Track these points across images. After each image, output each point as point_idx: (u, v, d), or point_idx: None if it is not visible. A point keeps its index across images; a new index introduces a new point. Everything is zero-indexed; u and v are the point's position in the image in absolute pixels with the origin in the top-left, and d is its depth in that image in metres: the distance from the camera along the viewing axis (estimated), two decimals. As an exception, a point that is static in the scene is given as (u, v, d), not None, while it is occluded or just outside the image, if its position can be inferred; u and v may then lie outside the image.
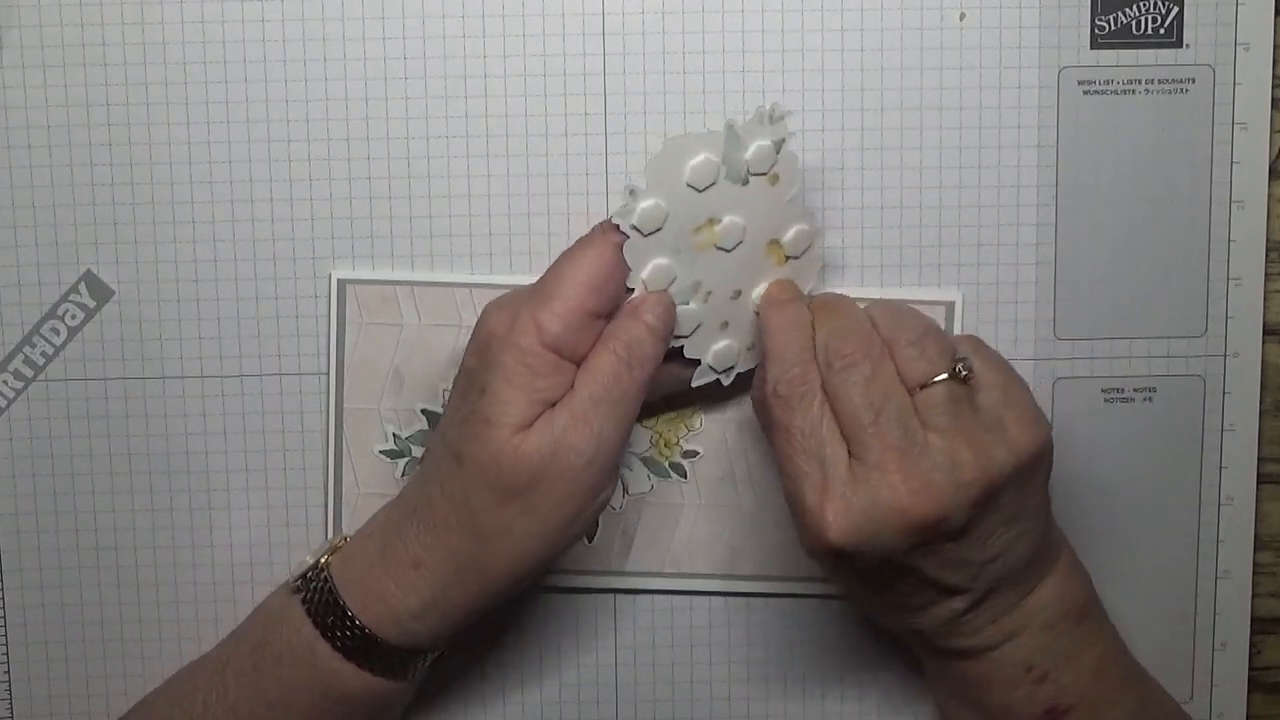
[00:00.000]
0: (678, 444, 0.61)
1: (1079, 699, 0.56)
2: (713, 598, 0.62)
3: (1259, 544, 0.63)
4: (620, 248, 0.53)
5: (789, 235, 0.56)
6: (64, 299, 0.60)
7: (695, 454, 0.61)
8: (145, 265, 0.60)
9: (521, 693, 0.63)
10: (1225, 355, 0.61)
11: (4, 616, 0.62)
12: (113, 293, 0.60)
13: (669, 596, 0.62)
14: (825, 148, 0.60)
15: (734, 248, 0.55)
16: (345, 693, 0.55)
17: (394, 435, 0.61)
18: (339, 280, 0.60)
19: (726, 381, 0.58)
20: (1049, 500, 0.55)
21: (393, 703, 0.57)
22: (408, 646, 0.55)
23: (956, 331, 0.60)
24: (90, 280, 0.60)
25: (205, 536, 0.61)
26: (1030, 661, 0.55)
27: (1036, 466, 0.53)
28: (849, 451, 0.52)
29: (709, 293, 0.55)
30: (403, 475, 0.61)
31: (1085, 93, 0.60)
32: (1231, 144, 0.60)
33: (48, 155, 0.59)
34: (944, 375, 0.52)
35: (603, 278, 0.53)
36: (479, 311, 0.57)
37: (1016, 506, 0.53)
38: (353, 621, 0.54)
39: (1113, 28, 0.59)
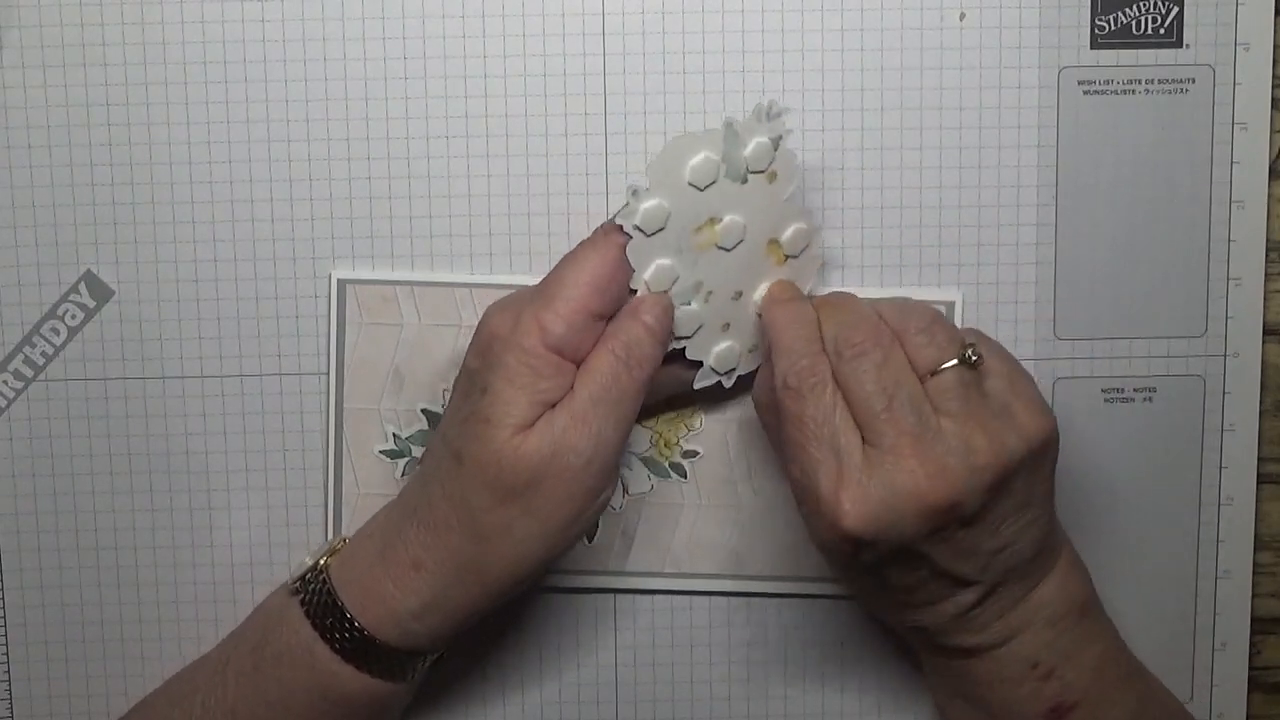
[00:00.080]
0: (678, 444, 0.61)
1: (1082, 696, 0.56)
2: (713, 598, 0.62)
3: (1259, 544, 0.63)
4: (623, 249, 0.53)
5: (788, 234, 0.56)
6: (64, 299, 0.60)
7: (695, 454, 0.61)
8: (145, 265, 0.60)
9: (521, 693, 0.63)
10: (1225, 355, 0.61)
11: (4, 616, 0.62)
12: (113, 293, 0.60)
13: (669, 596, 0.62)
14: (825, 148, 0.60)
15: (734, 247, 0.55)
16: (344, 694, 0.55)
17: (394, 435, 0.61)
18: (339, 280, 0.60)
19: (728, 384, 0.58)
20: (1053, 492, 0.55)
21: (392, 704, 0.57)
22: (407, 648, 0.55)
23: (957, 331, 0.60)
24: (90, 280, 0.60)
25: (205, 536, 0.61)
26: (1036, 658, 0.55)
27: (1044, 453, 0.53)
28: (863, 439, 0.52)
29: (710, 293, 0.55)
30: (403, 475, 0.61)
31: (1085, 93, 0.60)
32: (1231, 144, 0.60)
33: (48, 155, 0.59)
34: (954, 361, 0.52)
35: (606, 279, 0.53)
36: (479, 311, 0.57)
37: (1025, 494, 0.53)
38: (351, 623, 0.54)
39: (1113, 28, 0.59)
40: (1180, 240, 0.61)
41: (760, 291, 0.56)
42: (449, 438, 0.53)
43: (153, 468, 0.61)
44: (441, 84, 0.59)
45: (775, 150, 0.55)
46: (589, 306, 0.52)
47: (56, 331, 0.60)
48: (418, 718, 0.62)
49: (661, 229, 0.53)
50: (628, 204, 0.53)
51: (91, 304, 0.60)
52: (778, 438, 0.56)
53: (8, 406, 0.60)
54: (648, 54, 0.59)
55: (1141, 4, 0.59)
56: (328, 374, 0.60)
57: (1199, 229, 0.61)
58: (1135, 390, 0.61)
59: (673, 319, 0.55)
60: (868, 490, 0.51)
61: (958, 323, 0.60)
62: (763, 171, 0.55)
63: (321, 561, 0.56)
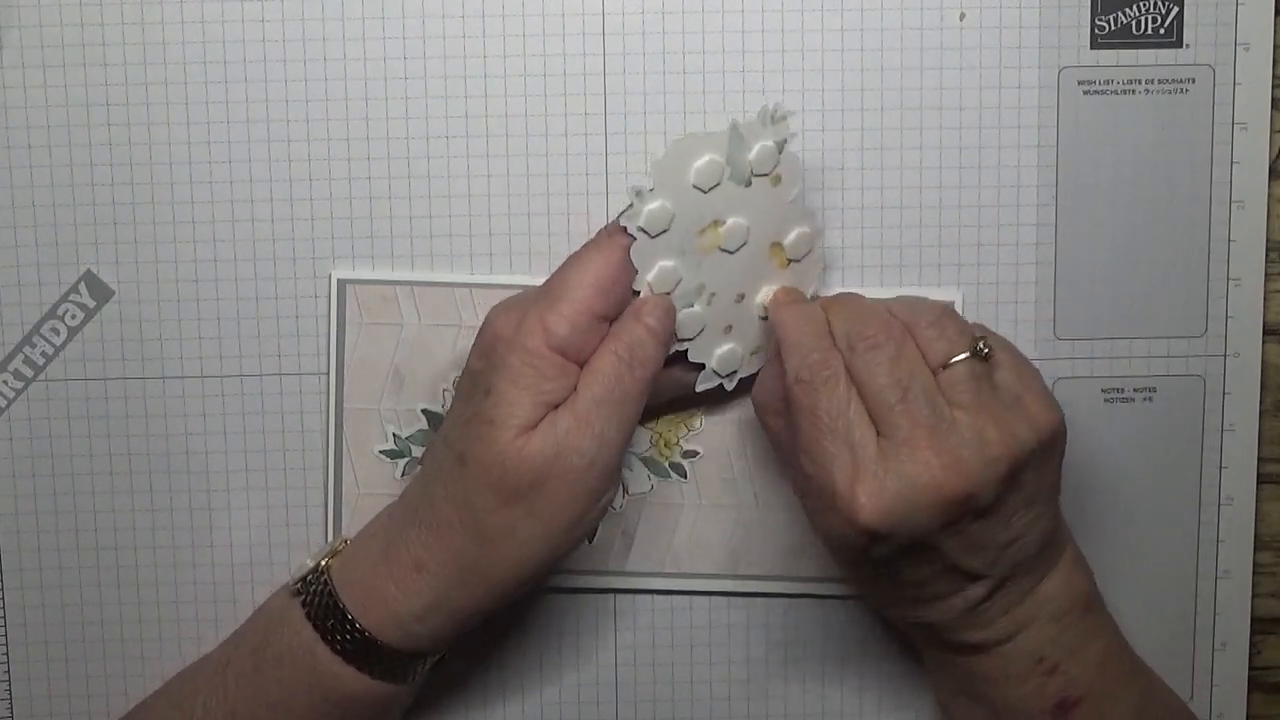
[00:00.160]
0: (678, 444, 0.61)
1: (1087, 691, 0.56)
2: (713, 598, 0.62)
3: (1259, 544, 0.63)
4: (627, 250, 0.53)
5: (791, 237, 0.56)
6: (64, 299, 0.60)
7: (695, 454, 0.61)
8: (145, 265, 0.60)
9: (521, 693, 0.63)
10: (1225, 355, 0.61)
11: (4, 616, 0.62)
12: (113, 293, 0.60)
13: (669, 596, 0.62)
14: (825, 148, 0.60)
15: (737, 249, 0.55)
16: (345, 695, 0.55)
17: (394, 435, 0.61)
18: (339, 280, 0.60)
19: (730, 386, 0.58)
20: (1060, 486, 0.55)
21: (393, 705, 0.57)
22: (409, 649, 0.55)
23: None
24: (90, 280, 0.60)
25: (205, 536, 0.61)
26: (1041, 653, 0.55)
27: (1053, 446, 0.53)
28: (877, 432, 0.52)
29: (713, 295, 0.55)
30: (403, 475, 0.61)
31: (1085, 93, 0.60)
32: (1231, 144, 0.60)
33: (48, 155, 0.59)
34: (965, 354, 0.52)
35: (610, 280, 0.53)
36: (479, 311, 0.57)
37: (1035, 486, 0.53)
38: (353, 625, 0.54)
39: (1113, 28, 0.59)
40: (1180, 240, 0.61)
41: (763, 295, 0.56)
42: (451, 439, 0.53)
43: (153, 468, 0.61)
44: (441, 84, 0.59)
45: (779, 154, 0.55)
46: (593, 308, 0.52)
47: (56, 331, 0.60)
48: (417, 718, 0.62)
49: (665, 231, 0.53)
50: (631, 205, 0.53)
51: (91, 304, 0.60)
52: (778, 439, 0.56)
53: (8, 406, 0.60)
54: (648, 54, 0.59)
55: (1141, 4, 0.59)
56: (328, 374, 0.60)
57: (1199, 229, 0.61)
58: (1135, 390, 0.61)
59: (675, 321, 0.55)
60: (884, 483, 0.51)
61: (958, 322, 0.60)
62: (767, 175, 0.55)
63: (323, 563, 0.56)
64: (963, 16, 0.59)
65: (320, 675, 0.54)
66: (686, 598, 0.62)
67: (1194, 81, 0.60)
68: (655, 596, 0.62)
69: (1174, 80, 0.60)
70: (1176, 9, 0.59)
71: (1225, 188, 0.60)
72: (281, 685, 0.55)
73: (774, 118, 0.54)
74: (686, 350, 0.56)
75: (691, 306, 0.55)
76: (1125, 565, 0.62)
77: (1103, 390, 0.61)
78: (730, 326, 0.56)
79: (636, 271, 0.54)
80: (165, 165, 0.59)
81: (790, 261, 0.56)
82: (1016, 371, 0.54)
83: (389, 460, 0.61)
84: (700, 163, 0.53)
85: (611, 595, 0.62)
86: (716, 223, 0.55)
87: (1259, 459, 0.62)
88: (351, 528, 0.60)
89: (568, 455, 0.52)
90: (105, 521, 0.61)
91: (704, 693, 0.63)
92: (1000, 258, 0.60)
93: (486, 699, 0.63)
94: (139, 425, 0.61)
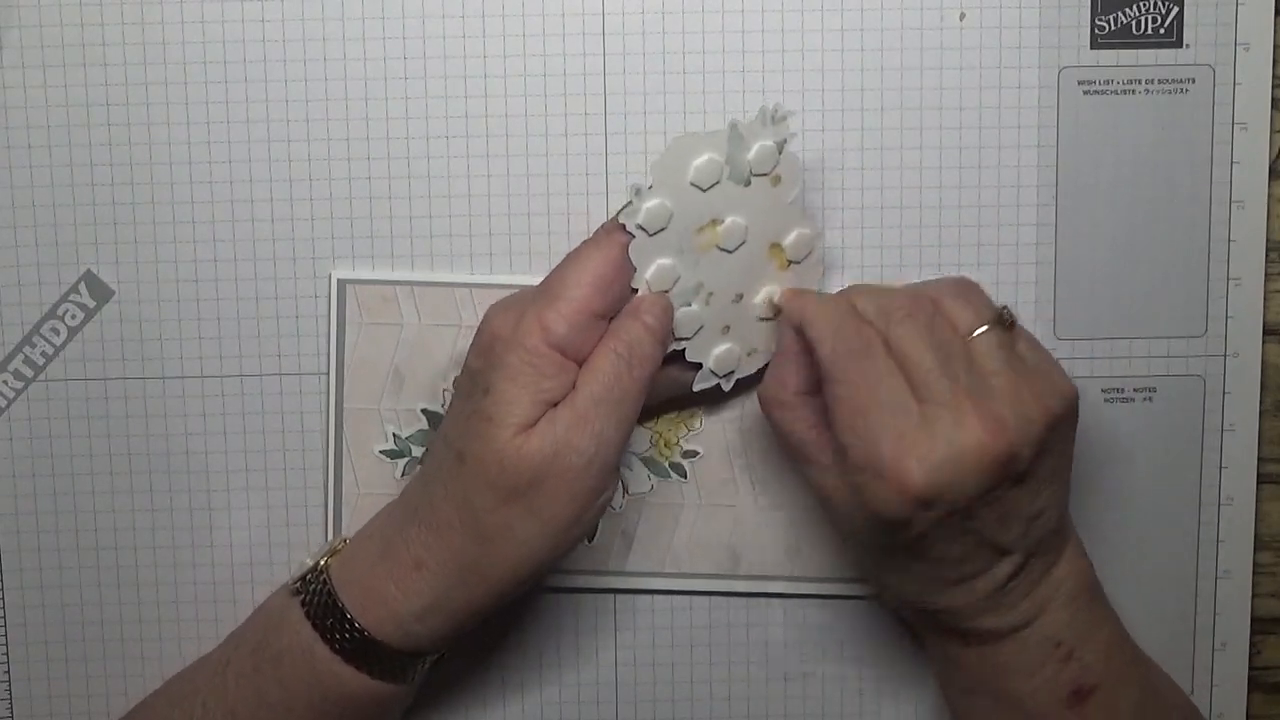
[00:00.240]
0: (678, 444, 0.61)
1: (1100, 679, 0.56)
2: (713, 598, 0.62)
3: (1259, 544, 0.63)
4: (625, 248, 0.53)
5: (791, 238, 0.56)
6: (64, 299, 0.60)
7: (695, 454, 0.61)
8: (145, 265, 0.60)
9: (521, 693, 0.63)
10: (1225, 355, 0.61)
11: (4, 616, 0.62)
12: (113, 293, 0.60)
13: (669, 596, 0.62)
14: (825, 148, 0.60)
15: (736, 249, 0.55)
16: (345, 695, 0.55)
17: (394, 435, 0.61)
18: (339, 280, 0.60)
19: (727, 387, 0.58)
20: (1072, 462, 0.55)
21: (393, 705, 0.57)
22: (408, 649, 0.55)
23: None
24: (90, 280, 0.60)
25: (205, 536, 0.61)
26: (1058, 637, 0.55)
27: (1073, 416, 0.54)
28: (917, 399, 0.52)
29: (710, 294, 0.55)
30: (403, 475, 0.61)
31: (1085, 93, 0.60)
32: (1231, 144, 0.60)
33: (48, 155, 0.59)
34: (992, 322, 0.53)
35: (608, 278, 0.53)
36: (479, 311, 0.57)
37: (1057, 457, 0.54)
38: (352, 624, 0.54)
39: (1113, 28, 0.59)
40: (1180, 240, 0.61)
41: (762, 295, 0.56)
42: (451, 438, 0.53)
43: (153, 468, 0.61)
44: (441, 84, 0.59)
45: (779, 154, 0.55)
46: (591, 306, 0.52)
47: (56, 331, 0.60)
48: (417, 718, 0.62)
49: (663, 229, 0.53)
50: (630, 203, 0.53)
51: (91, 304, 0.60)
52: (791, 433, 0.55)
53: (8, 406, 0.60)
54: (648, 54, 0.59)
55: (1141, 4, 0.59)
56: (328, 374, 0.60)
57: (1199, 229, 0.61)
58: (1135, 390, 0.61)
59: (673, 319, 0.55)
60: (932, 448, 0.51)
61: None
62: (766, 175, 0.55)
63: (322, 562, 0.56)
64: (963, 16, 0.59)
65: (320, 675, 0.54)
66: (686, 598, 0.62)
67: (1194, 81, 0.60)
68: (655, 596, 0.62)
69: (1174, 80, 0.60)
70: (1176, 9, 0.59)
71: (1225, 188, 0.60)
72: (281, 685, 0.55)
73: (774, 118, 0.54)
74: (684, 350, 0.56)
75: (689, 305, 0.55)
76: (1125, 565, 0.62)
77: (1103, 390, 0.61)
78: (728, 326, 0.56)
79: (635, 269, 0.54)
80: (165, 165, 0.59)
81: (791, 263, 0.56)
82: (1031, 343, 0.55)
83: (389, 460, 0.61)
84: (699, 161, 0.54)
85: (611, 595, 0.62)
86: (715, 221, 0.55)
87: (1259, 459, 0.62)
88: (351, 528, 0.60)
89: (567, 453, 0.52)
90: (105, 521, 0.61)
91: (704, 693, 0.63)
92: (1000, 258, 0.60)
93: (486, 699, 0.63)
94: (139, 425, 0.61)
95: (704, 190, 0.54)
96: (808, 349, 0.55)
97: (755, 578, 0.62)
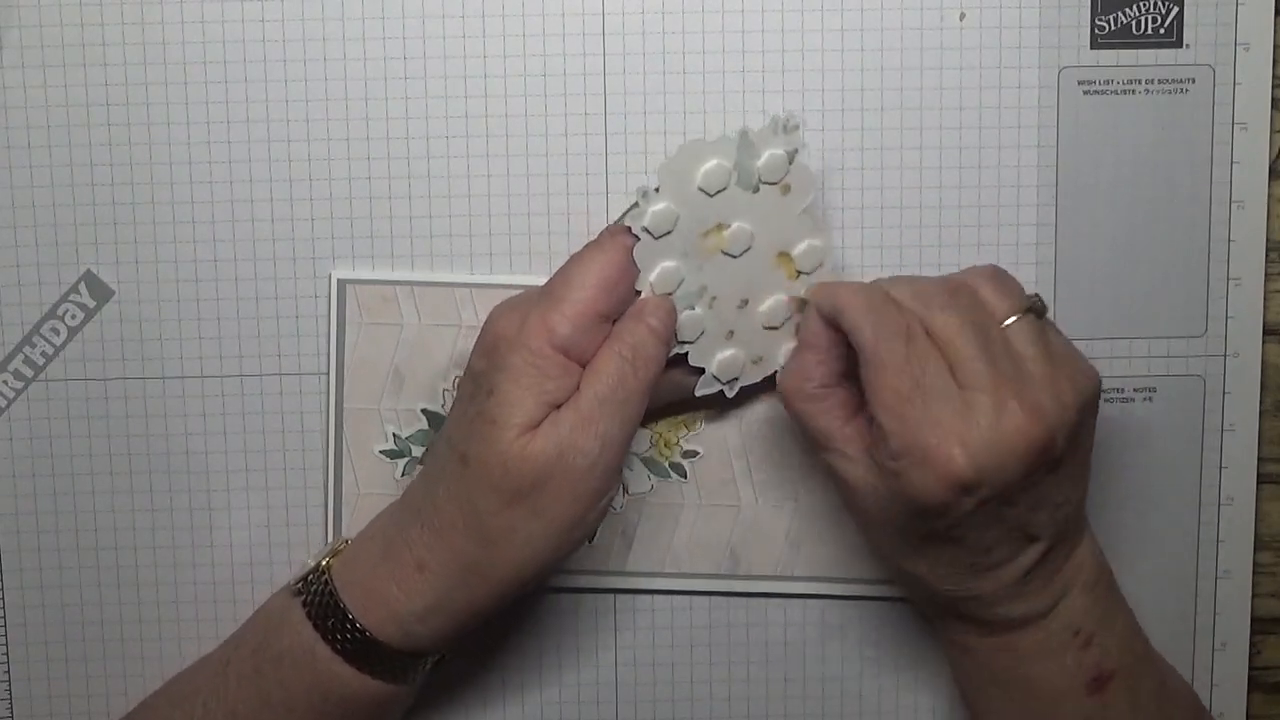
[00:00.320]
0: (678, 444, 0.61)
1: (1118, 665, 0.56)
2: (713, 598, 0.62)
3: (1259, 544, 0.63)
4: (630, 250, 0.53)
5: (800, 248, 0.56)
6: (64, 299, 0.60)
7: (695, 454, 0.61)
8: (145, 265, 0.60)
9: (521, 693, 0.63)
10: (1225, 355, 0.61)
11: (4, 616, 0.62)
12: (113, 293, 0.60)
13: (669, 596, 0.62)
14: (825, 148, 0.60)
15: (741, 254, 0.55)
16: (345, 696, 0.55)
17: (394, 435, 0.61)
18: (339, 280, 0.60)
19: (731, 393, 0.58)
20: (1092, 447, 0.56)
21: (394, 705, 0.57)
22: (410, 649, 0.55)
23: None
24: (90, 280, 0.60)
25: (205, 536, 0.61)
26: (1078, 624, 0.56)
27: (1097, 403, 0.54)
28: (959, 385, 0.52)
29: (714, 299, 0.55)
30: (403, 475, 0.61)
31: (1085, 93, 0.60)
32: (1231, 144, 0.60)
33: (48, 155, 0.59)
34: (1026, 308, 0.53)
35: (612, 280, 0.53)
36: (479, 311, 0.57)
37: (1083, 443, 0.54)
38: (353, 624, 0.54)
39: (1113, 28, 0.59)
40: (1180, 240, 0.61)
41: (768, 304, 0.56)
42: (454, 439, 0.53)
43: (153, 468, 0.61)
44: (441, 84, 0.59)
45: (789, 163, 0.55)
46: (595, 307, 0.52)
47: (56, 331, 0.60)
48: (417, 717, 0.62)
49: (669, 232, 0.53)
50: (636, 205, 0.53)
51: (91, 304, 0.60)
52: (815, 426, 0.55)
53: (8, 406, 0.60)
54: (648, 54, 0.59)
55: (1141, 4, 0.59)
56: (328, 374, 0.60)
57: (1199, 229, 0.61)
58: (1135, 390, 0.61)
59: (675, 321, 0.55)
60: (977, 433, 0.51)
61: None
62: (775, 183, 0.55)
63: (323, 563, 0.56)
64: (963, 16, 0.59)
65: (321, 675, 0.54)
66: (686, 598, 0.62)
67: (1194, 81, 0.60)
68: (655, 596, 0.62)
69: (1174, 80, 0.60)
70: (1176, 9, 0.59)
71: (1225, 188, 0.60)
72: (282, 685, 0.55)
73: (785, 127, 0.54)
74: (687, 354, 0.56)
75: (692, 309, 0.55)
76: (1125, 565, 0.62)
77: (1103, 390, 0.61)
78: (732, 332, 0.56)
79: (639, 272, 0.54)
80: (165, 165, 0.59)
81: (801, 274, 0.56)
82: (1057, 330, 0.55)
83: (389, 460, 0.61)
84: (707, 166, 0.54)
85: (611, 595, 0.62)
86: (721, 226, 0.54)
87: (1259, 459, 0.62)
88: (351, 528, 0.60)
89: (571, 455, 0.52)
90: (105, 521, 0.61)
91: (704, 693, 0.63)
92: (1000, 258, 0.60)
93: (486, 699, 0.63)
94: (139, 425, 0.61)
95: (711, 195, 0.54)
96: (835, 341, 0.55)
97: (755, 578, 0.62)
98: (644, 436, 0.61)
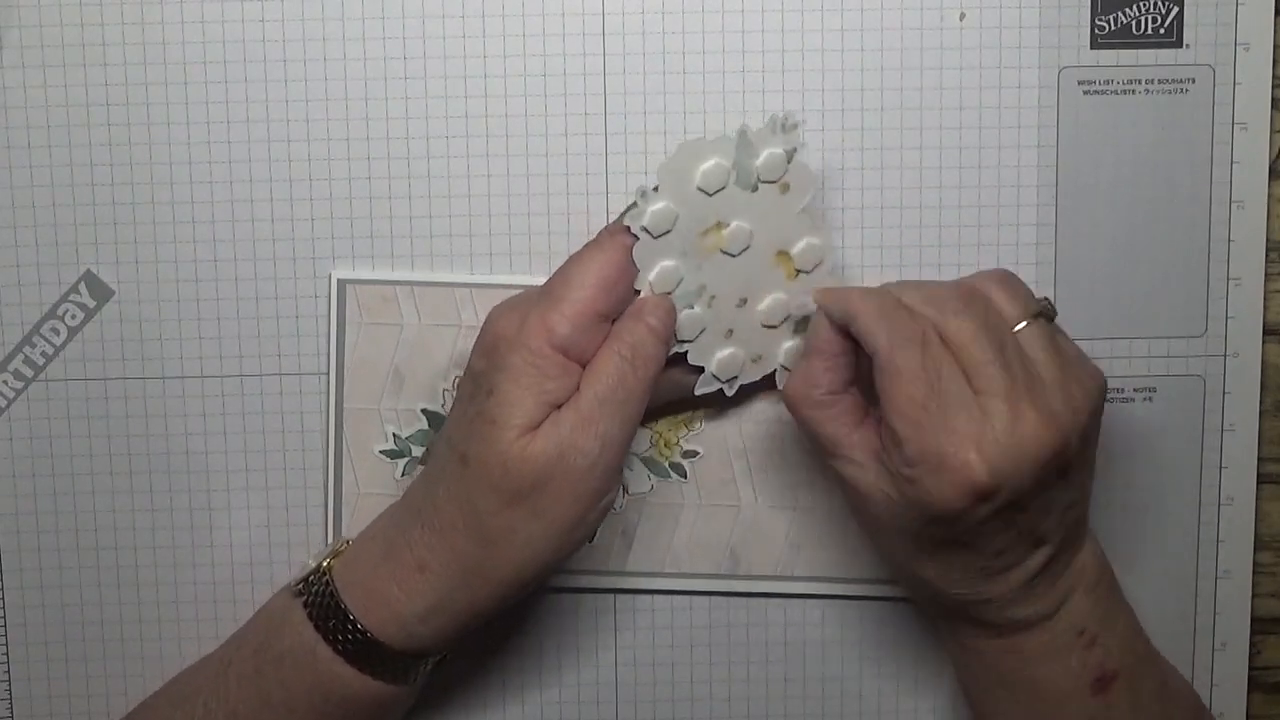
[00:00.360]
0: (678, 444, 0.61)
1: (1120, 665, 0.56)
2: (713, 598, 0.62)
3: (1259, 544, 0.63)
4: (629, 250, 0.53)
5: (799, 247, 0.56)
6: (64, 299, 0.60)
7: (695, 454, 0.61)
8: (145, 265, 0.60)
9: (521, 693, 0.63)
10: (1225, 355, 0.61)
11: (4, 616, 0.62)
12: (113, 293, 0.60)
13: (669, 596, 0.62)
14: (825, 148, 0.60)
15: (740, 253, 0.55)
16: (346, 696, 0.55)
17: (394, 435, 0.61)
18: (339, 280, 0.60)
19: (730, 392, 0.58)
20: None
21: (394, 706, 0.57)
22: (411, 650, 0.55)
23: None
24: (90, 280, 0.60)
25: (205, 536, 0.61)
26: (1082, 624, 0.56)
27: (1103, 406, 0.54)
28: (974, 390, 0.52)
29: (713, 297, 0.55)
30: (403, 475, 0.61)
31: (1085, 93, 0.60)
32: (1231, 144, 0.60)
33: (48, 155, 0.59)
34: (1036, 313, 0.53)
35: (612, 280, 0.53)
36: (479, 311, 0.57)
37: (1091, 446, 0.54)
38: (354, 625, 0.54)
39: (1113, 28, 0.59)
40: (1180, 240, 0.61)
41: (767, 303, 0.56)
42: (454, 440, 0.53)
43: (153, 468, 0.61)
44: (441, 84, 0.59)
45: (788, 162, 0.54)
46: (595, 307, 0.52)
47: (56, 331, 0.60)
48: (417, 717, 0.62)
49: (668, 232, 0.54)
50: (635, 204, 0.53)
51: (91, 304, 0.60)
52: (823, 432, 0.55)
53: (8, 406, 0.60)
54: (648, 54, 0.59)
55: (1141, 4, 0.59)
56: (328, 374, 0.60)
57: (1199, 229, 0.61)
58: (1135, 390, 0.61)
59: (675, 321, 0.55)
60: (994, 439, 0.51)
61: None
62: (774, 182, 0.55)
63: (324, 563, 0.56)
64: (963, 16, 0.59)
65: (322, 676, 0.54)
66: (686, 598, 0.62)
67: (1194, 81, 0.60)
68: (655, 596, 0.62)
69: (1174, 80, 0.60)
70: (1176, 9, 0.59)
71: (1225, 188, 0.60)
72: (283, 686, 0.55)
73: (784, 126, 0.54)
74: (686, 353, 0.56)
75: (691, 308, 0.55)
76: (1126, 565, 0.62)
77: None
78: (731, 331, 0.56)
79: (638, 271, 0.54)
80: (165, 165, 0.59)
81: (799, 273, 0.56)
82: (1064, 334, 0.55)
83: (389, 460, 0.61)
84: (706, 166, 0.54)
85: (611, 595, 0.62)
86: (719, 225, 0.54)
87: (1259, 459, 0.62)
88: (352, 528, 0.60)
89: (571, 455, 0.52)
90: (105, 521, 0.61)
91: (704, 693, 0.63)
92: (1000, 258, 0.60)
93: (486, 699, 0.63)
94: (139, 425, 0.61)
95: (709, 195, 0.54)
96: (845, 347, 0.54)
97: (755, 578, 0.62)
98: (644, 436, 0.61)
